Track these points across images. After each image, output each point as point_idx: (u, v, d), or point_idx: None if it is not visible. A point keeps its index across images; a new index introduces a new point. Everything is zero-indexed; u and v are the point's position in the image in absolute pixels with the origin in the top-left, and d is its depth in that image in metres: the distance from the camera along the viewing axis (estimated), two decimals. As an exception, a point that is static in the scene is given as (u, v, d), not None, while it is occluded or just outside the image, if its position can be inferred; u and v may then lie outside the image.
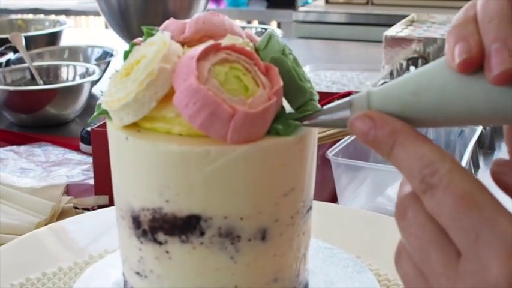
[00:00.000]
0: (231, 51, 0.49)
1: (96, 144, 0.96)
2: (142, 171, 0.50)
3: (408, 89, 0.42)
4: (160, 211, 0.50)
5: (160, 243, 0.51)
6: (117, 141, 0.51)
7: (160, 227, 0.50)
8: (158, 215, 0.50)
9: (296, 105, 0.51)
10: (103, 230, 0.77)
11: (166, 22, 0.54)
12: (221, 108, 0.46)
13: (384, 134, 0.42)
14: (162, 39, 0.50)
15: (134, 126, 0.50)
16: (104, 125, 0.93)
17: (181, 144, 0.48)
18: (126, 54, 0.53)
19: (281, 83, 0.49)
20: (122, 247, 0.56)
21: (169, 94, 0.48)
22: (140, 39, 0.54)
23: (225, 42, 0.50)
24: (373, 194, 0.96)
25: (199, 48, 0.48)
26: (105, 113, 0.52)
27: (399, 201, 0.42)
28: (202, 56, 0.48)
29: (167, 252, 0.51)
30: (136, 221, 0.51)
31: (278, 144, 0.49)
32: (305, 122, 0.49)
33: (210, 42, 0.50)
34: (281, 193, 0.51)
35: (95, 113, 0.54)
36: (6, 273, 0.67)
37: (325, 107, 0.47)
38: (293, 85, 0.50)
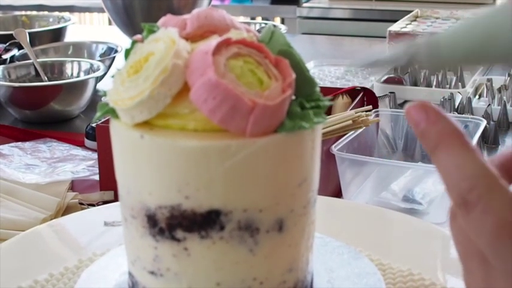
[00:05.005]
0: (242, 45, 0.50)
1: (101, 139, 0.96)
2: (160, 168, 0.49)
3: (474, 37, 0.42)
4: (179, 208, 0.50)
5: (178, 240, 0.50)
6: (129, 139, 0.51)
7: (178, 224, 0.50)
8: (177, 212, 0.50)
9: (302, 95, 0.51)
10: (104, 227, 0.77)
11: (164, 18, 0.54)
12: (242, 101, 0.46)
13: (432, 131, 0.41)
14: (168, 36, 0.50)
15: (145, 124, 0.50)
16: (108, 121, 0.93)
17: (201, 140, 0.48)
18: (128, 52, 0.53)
19: (293, 75, 0.49)
20: (131, 247, 0.55)
21: (182, 90, 0.49)
22: (140, 36, 0.54)
23: (234, 36, 0.50)
24: (377, 189, 0.96)
25: (212, 43, 0.48)
26: (111, 112, 0.52)
27: (452, 205, 0.41)
28: (216, 51, 0.48)
29: (186, 249, 0.51)
30: (152, 220, 0.51)
31: (295, 135, 0.50)
32: (365, 67, 0.49)
33: (216, 37, 0.50)
34: (296, 183, 0.52)
35: (99, 113, 0.53)
36: (10, 274, 0.66)
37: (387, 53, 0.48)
38: (302, 76, 0.51)
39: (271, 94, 0.48)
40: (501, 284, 0.38)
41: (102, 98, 0.53)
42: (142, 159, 0.50)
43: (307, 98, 0.51)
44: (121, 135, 0.52)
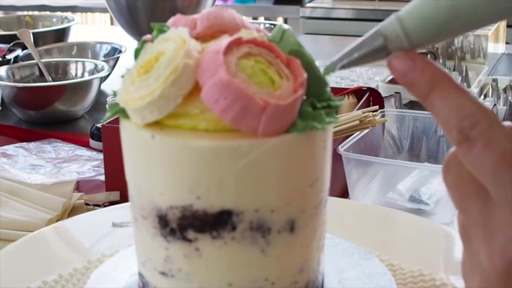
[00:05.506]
0: (253, 44, 0.49)
1: (107, 140, 0.96)
2: (171, 168, 0.49)
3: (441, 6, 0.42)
4: (191, 208, 0.49)
5: (189, 240, 0.50)
6: (140, 140, 0.50)
7: (190, 225, 0.50)
8: (188, 213, 0.49)
9: (313, 95, 0.51)
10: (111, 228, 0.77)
11: (174, 18, 0.54)
12: (253, 101, 0.46)
13: (423, 78, 0.42)
14: (179, 36, 0.49)
15: (156, 124, 0.49)
16: (114, 121, 0.93)
17: (213, 140, 0.48)
18: (137, 52, 0.52)
19: (305, 74, 0.49)
20: (142, 248, 0.55)
21: (193, 90, 0.48)
22: (149, 36, 0.53)
23: (245, 36, 0.50)
24: (384, 189, 0.96)
25: (223, 42, 0.48)
26: (121, 112, 0.52)
27: (446, 157, 0.43)
28: (227, 50, 0.48)
29: (197, 249, 0.50)
30: (163, 220, 0.51)
31: (307, 135, 0.49)
32: (341, 65, 0.48)
33: (227, 37, 0.50)
34: (308, 183, 0.51)
35: (109, 113, 0.53)
36: (19, 275, 0.66)
37: (355, 43, 0.47)
38: (313, 76, 0.50)
39: (283, 94, 0.48)
40: (501, 215, 0.40)
41: (108, 98, 0.52)
42: (153, 160, 0.50)
43: (318, 98, 0.51)
44: (131, 136, 0.52)
